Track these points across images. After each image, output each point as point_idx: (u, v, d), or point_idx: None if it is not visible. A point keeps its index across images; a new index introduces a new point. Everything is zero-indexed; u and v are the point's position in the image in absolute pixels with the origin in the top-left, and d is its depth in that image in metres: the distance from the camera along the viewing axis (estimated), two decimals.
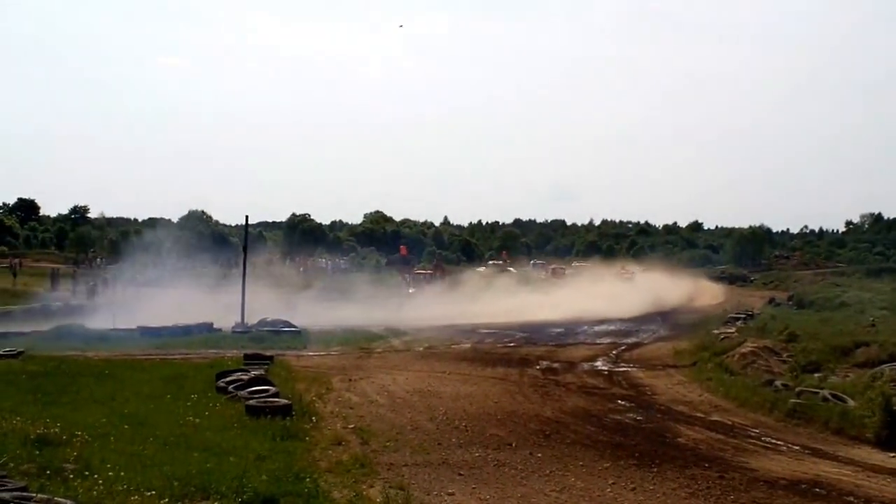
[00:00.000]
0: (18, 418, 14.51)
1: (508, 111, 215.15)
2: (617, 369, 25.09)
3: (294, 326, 34.62)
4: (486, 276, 66.56)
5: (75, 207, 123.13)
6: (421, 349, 29.84)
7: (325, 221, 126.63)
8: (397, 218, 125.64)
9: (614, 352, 29.62)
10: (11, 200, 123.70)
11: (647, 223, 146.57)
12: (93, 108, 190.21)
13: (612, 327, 39.72)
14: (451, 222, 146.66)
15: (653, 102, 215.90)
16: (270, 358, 23.90)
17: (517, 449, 14.64)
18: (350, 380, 21.73)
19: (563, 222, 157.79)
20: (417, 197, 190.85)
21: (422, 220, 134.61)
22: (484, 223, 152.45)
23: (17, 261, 63.64)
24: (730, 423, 17.42)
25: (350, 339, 31.97)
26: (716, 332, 32.43)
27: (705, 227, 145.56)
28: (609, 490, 12.19)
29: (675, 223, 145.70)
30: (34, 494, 9.28)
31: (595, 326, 39.76)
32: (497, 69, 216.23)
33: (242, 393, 17.69)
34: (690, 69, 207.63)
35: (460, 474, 12.88)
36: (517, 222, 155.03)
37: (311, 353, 28.38)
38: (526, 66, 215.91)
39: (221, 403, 17.05)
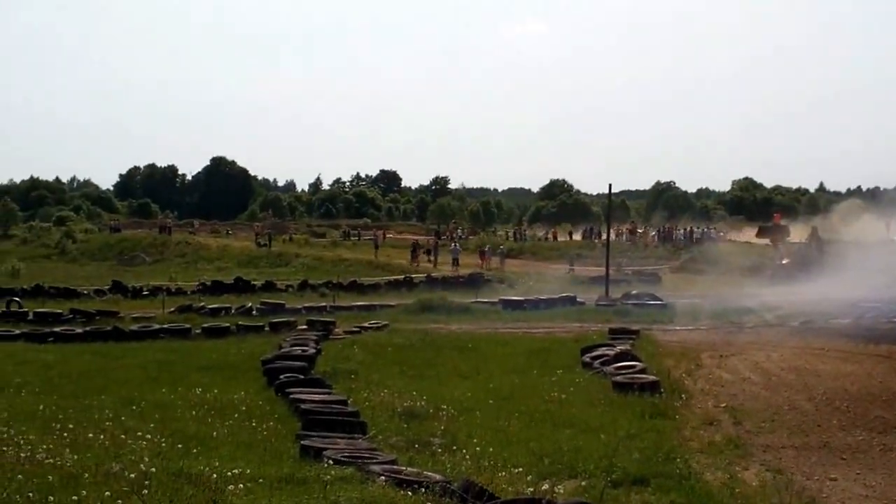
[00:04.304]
0: (386, 391, 15.06)
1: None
2: None
3: (660, 299, 33.79)
4: None
5: (436, 178, 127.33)
6: (796, 324, 28.07)
7: (691, 189, 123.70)
8: (768, 185, 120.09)
9: None
10: (374, 172, 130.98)
11: None
12: (449, 81, 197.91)
13: None
14: (828, 189, 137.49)
15: None
16: (636, 332, 23.49)
17: None
18: (720, 356, 20.78)
19: None
20: (788, 162, 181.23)
21: (794, 186, 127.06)
22: (864, 189, 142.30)
23: (379, 233, 66.75)
24: None
25: (719, 313, 30.66)
26: None
27: None
28: None
29: None
30: (404, 468, 9.30)
31: None
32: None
33: (608, 368, 17.37)
34: None
35: (843, 458, 11.92)
36: None
37: (677, 328, 27.56)
38: None
39: (586, 379, 16.83)
